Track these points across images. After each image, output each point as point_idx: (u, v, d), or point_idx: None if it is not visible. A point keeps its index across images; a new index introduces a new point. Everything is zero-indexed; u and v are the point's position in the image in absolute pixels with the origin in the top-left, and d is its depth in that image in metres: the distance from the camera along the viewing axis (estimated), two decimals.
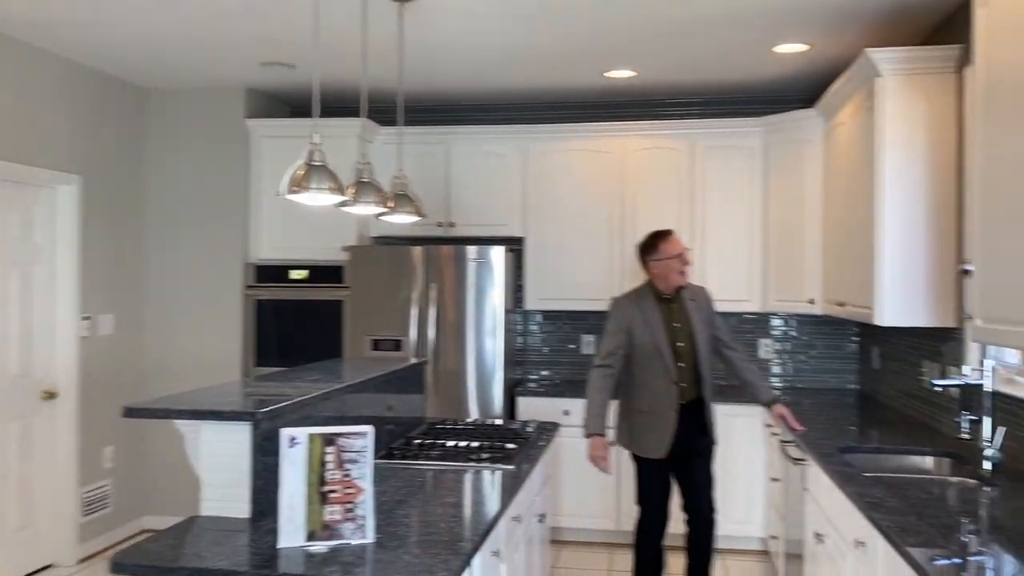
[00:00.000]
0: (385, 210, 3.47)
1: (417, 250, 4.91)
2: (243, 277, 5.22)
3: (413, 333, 4.86)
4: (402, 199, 3.51)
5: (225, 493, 2.28)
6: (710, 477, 3.91)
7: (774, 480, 4.44)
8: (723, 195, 5.12)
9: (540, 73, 4.88)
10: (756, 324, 5.43)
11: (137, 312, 5.22)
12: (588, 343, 5.55)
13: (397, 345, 4.88)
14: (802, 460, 3.59)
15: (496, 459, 3.03)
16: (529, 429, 3.64)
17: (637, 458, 3.83)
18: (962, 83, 3.51)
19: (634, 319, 3.77)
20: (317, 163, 2.84)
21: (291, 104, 5.75)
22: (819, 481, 3.19)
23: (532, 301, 5.28)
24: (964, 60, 3.49)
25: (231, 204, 5.22)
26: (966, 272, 2.86)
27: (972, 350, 3.40)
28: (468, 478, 2.80)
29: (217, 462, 2.29)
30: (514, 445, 3.31)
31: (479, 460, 3.01)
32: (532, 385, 5.35)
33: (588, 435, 3.67)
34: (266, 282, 5.20)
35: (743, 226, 5.11)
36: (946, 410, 3.66)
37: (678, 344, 3.77)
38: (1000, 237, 2.27)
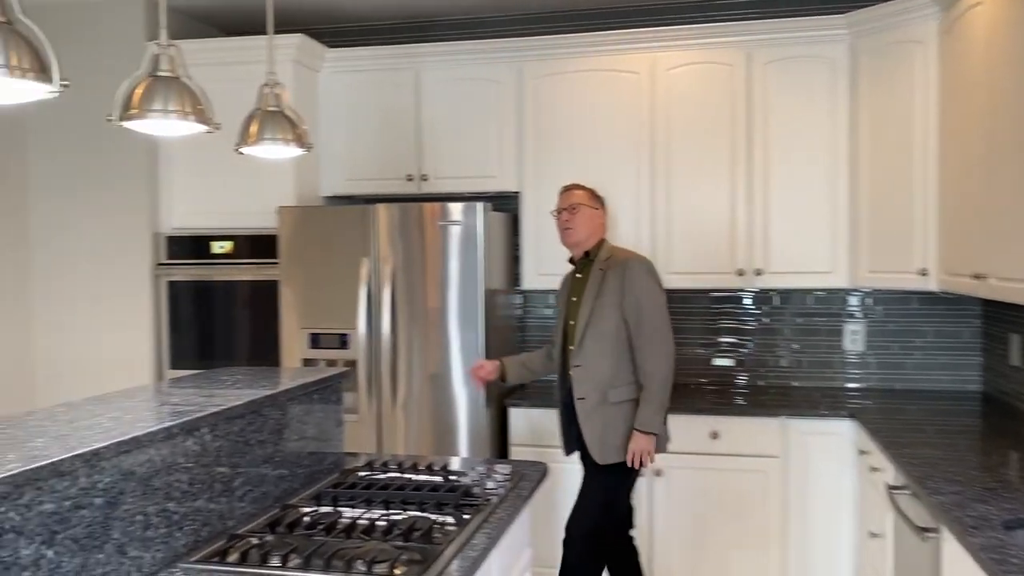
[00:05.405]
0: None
1: (372, 212, 3.60)
2: (152, 252, 3.98)
3: (362, 324, 3.57)
4: (273, 120, 2.19)
5: None
6: (585, 496, 3.07)
7: (873, 536, 3.05)
8: (793, 127, 3.69)
9: None
10: (841, 304, 4.00)
11: (10, 300, 3.99)
12: None
13: (343, 341, 3.60)
14: (933, 532, 2.21)
15: (410, 554, 1.73)
16: (490, 484, 2.31)
17: None
18: None
19: (560, 291, 3.29)
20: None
21: (206, 20, 4.40)
22: None
23: (532, 278, 3.93)
24: None
25: (134, 156, 3.98)
26: None
27: None
28: None
29: None
30: (452, 520, 2.00)
31: (368, 566, 1.70)
32: (539, 386, 4.01)
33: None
34: (181, 258, 3.95)
35: (822, 170, 3.67)
36: None
37: (570, 323, 3.10)
38: None
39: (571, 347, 3.07)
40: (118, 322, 3.98)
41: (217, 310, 3.90)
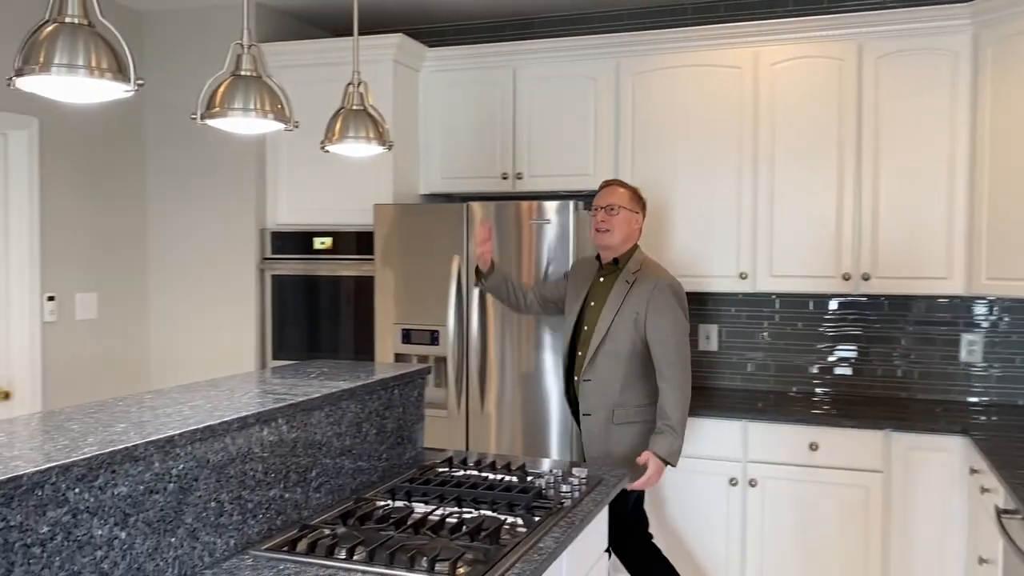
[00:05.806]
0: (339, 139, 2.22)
1: (466, 210, 3.62)
2: (257, 247, 4.14)
3: (451, 321, 3.59)
4: (356, 118, 2.23)
5: None
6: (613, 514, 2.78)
7: (983, 562, 2.84)
8: (907, 124, 3.48)
9: None
10: (961, 312, 3.75)
11: (125, 291, 4.21)
12: (709, 336, 4.07)
13: (433, 337, 3.64)
14: None
15: (475, 553, 1.73)
16: (565, 488, 2.28)
17: None
18: None
19: (573, 277, 3.12)
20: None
21: (311, 22, 4.52)
22: None
23: None
24: None
25: (242, 154, 4.14)
26: None
27: None
28: None
29: None
30: (521, 522, 1.98)
31: (430, 563, 1.70)
32: None
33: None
34: (285, 253, 4.09)
35: (938, 171, 3.45)
36: None
37: (584, 327, 2.98)
38: None
39: (580, 353, 2.96)
40: (226, 313, 4.16)
41: (320, 304, 4.02)
